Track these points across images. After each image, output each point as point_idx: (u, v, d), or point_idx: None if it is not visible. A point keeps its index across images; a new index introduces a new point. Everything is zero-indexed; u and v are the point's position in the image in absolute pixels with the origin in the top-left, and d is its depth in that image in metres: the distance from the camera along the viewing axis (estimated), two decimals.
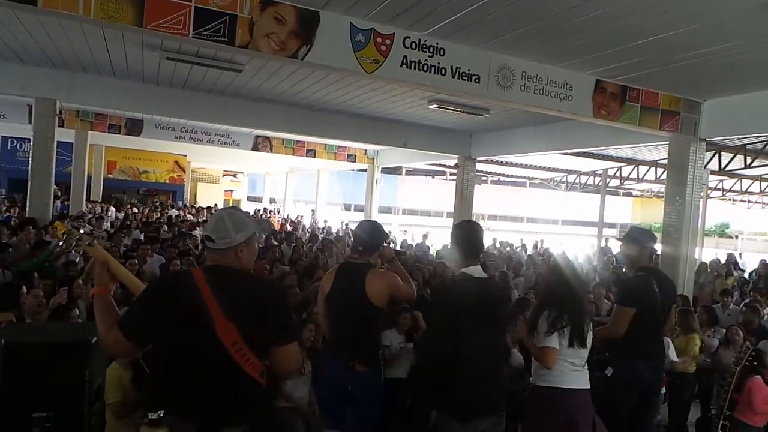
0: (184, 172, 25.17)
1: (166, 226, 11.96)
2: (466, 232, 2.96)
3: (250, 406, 1.92)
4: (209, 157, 22.96)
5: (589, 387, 3.03)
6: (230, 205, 20.62)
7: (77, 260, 4.31)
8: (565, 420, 2.93)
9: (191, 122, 13.10)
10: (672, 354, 4.57)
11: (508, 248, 14.36)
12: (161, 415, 1.62)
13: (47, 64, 8.57)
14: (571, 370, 2.98)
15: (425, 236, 14.68)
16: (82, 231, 2.48)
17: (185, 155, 23.80)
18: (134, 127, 13.37)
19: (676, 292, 4.16)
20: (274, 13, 4.86)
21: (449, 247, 3.08)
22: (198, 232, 10.12)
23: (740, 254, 16.23)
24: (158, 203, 21.42)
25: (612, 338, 3.44)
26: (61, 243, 2.34)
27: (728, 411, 3.74)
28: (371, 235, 3.28)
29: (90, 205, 15.84)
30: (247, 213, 2.22)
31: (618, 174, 18.19)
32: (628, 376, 3.33)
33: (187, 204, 23.29)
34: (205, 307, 1.85)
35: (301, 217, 20.25)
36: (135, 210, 17.43)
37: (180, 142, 14.52)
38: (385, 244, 3.42)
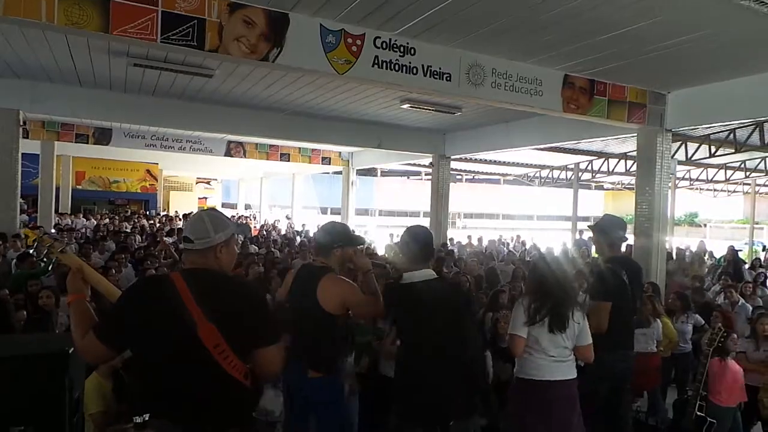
0: (156, 180, 24.75)
1: (138, 236, 11.74)
2: (419, 237, 2.88)
3: (236, 409, 1.91)
4: (182, 164, 22.63)
5: (574, 377, 3.08)
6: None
7: (50, 268, 4.25)
8: (546, 411, 2.98)
9: (162, 129, 12.88)
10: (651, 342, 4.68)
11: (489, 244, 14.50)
12: (146, 418, 1.60)
13: (9, 74, 8.34)
14: (552, 362, 3.03)
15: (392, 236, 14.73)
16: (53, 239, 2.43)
17: (157, 163, 23.40)
18: (103, 137, 13.09)
19: (643, 279, 4.25)
20: (243, 16, 4.83)
21: (398, 248, 2.97)
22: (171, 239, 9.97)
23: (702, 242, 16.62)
24: (129, 213, 21.03)
25: (596, 333, 3.46)
26: (32, 251, 2.30)
27: (704, 392, 3.86)
28: (326, 235, 3.07)
29: (59, 217, 15.45)
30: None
31: (589, 167, 18.53)
32: (600, 367, 3.35)
33: (160, 213, 22.91)
34: (185, 311, 1.83)
35: (278, 221, 20.11)
36: (106, 221, 17.06)
37: (151, 150, 14.25)
38: (357, 251, 3.16)
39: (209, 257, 1.99)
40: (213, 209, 2.17)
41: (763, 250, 17.19)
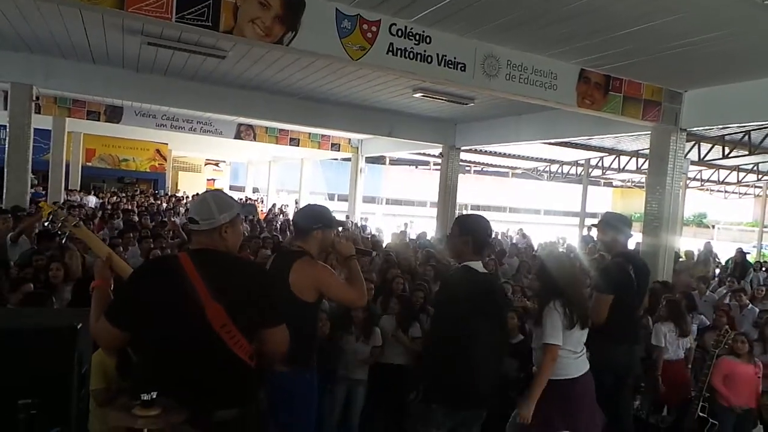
0: (166, 160, 24.81)
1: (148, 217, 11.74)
2: (475, 227, 2.84)
3: (241, 389, 1.93)
4: (191, 145, 22.66)
5: (588, 368, 3.12)
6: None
7: (63, 241, 4.26)
8: (574, 409, 2.99)
9: (173, 110, 12.89)
10: (664, 340, 4.64)
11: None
12: (154, 396, 1.61)
13: (23, 49, 8.35)
14: (574, 359, 3.06)
15: (407, 225, 14.72)
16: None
17: (166, 143, 23.44)
18: (114, 115, 13.11)
19: (650, 276, 4.24)
20: None
21: (448, 237, 2.95)
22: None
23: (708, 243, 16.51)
24: (138, 191, 21.12)
25: (593, 325, 3.48)
26: (46, 223, 2.31)
27: (707, 393, 3.85)
28: (305, 218, 2.88)
29: (68, 194, 15.54)
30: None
31: (600, 164, 18.40)
32: (602, 360, 3.37)
33: (168, 193, 23.00)
34: (193, 291, 1.85)
35: (285, 206, 20.13)
36: (115, 199, 17.14)
37: (161, 129, 14.28)
38: (340, 236, 2.98)
39: (215, 238, 2.00)
40: (218, 190, 2.17)
41: None
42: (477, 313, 2.68)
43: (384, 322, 4.41)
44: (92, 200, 15.69)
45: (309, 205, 3.12)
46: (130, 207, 13.66)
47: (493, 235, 3.06)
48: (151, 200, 17.53)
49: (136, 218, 10.24)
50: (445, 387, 2.71)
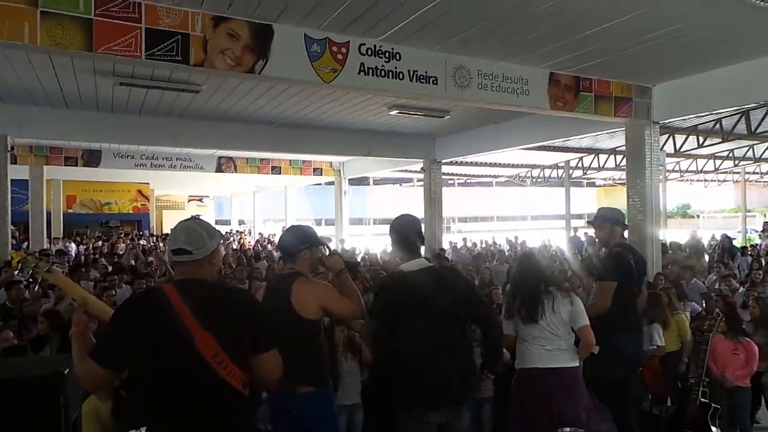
0: (148, 200, 24.63)
1: (133, 260, 11.62)
2: (398, 227, 2.84)
3: (235, 419, 1.89)
4: (173, 183, 22.56)
5: (576, 365, 3.09)
6: None
7: (35, 288, 4.17)
8: (544, 398, 2.99)
9: (151, 148, 12.85)
10: (659, 338, 4.66)
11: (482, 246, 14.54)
12: (143, 431, 1.57)
13: None
14: (545, 350, 3.07)
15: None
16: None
17: (148, 183, 23.31)
18: (92, 158, 13.04)
19: (646, 267, 4.28)
20: (227, 29, 4.84)
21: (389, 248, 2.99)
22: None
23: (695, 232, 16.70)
24: (123, 234, 20.91)
25: (599, 314, 3.47)
26: (17, 272, 2.27)
27: (706, 377, 3.86)
28: (291, 239, 2.90)
29: (50, 243, 15.32)
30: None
31: (580, 164, 18.63)
32: (612, 352, 3.35)
33: (153, 233, 22.80)
34: (180, 322, 1.82)
35: (273, 235, 20.05)
36: (99, 243, 16.94)
37: (141, 169, 14.22)
38: (327, 252, 2.97)
39: (203, 266, 1.98)
40: (196, 218, 2.14)
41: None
42: (413, 313, 2.64)
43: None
44: (72, 247, 15.47)
45: (292, 226, 3.14)
46: (114, 250, 13.50)
47: (419, 231, 2.95)
48: (138, 242, 17.36)
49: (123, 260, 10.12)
50: (407, 393, 2.67)
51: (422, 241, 2.90)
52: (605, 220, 3.89)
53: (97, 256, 12.34)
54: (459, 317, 2.74)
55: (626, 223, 4.06)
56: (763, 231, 17.34)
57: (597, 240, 4.25)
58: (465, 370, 2.73)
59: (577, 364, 3.11)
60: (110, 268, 8.43)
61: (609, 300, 3.52)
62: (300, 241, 2.86)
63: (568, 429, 1.92)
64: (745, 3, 4.47)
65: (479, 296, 3.03)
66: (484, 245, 14.70)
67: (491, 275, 7.47)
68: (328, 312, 2.87)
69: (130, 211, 24.19)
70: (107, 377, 1.90)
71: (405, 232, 2.83)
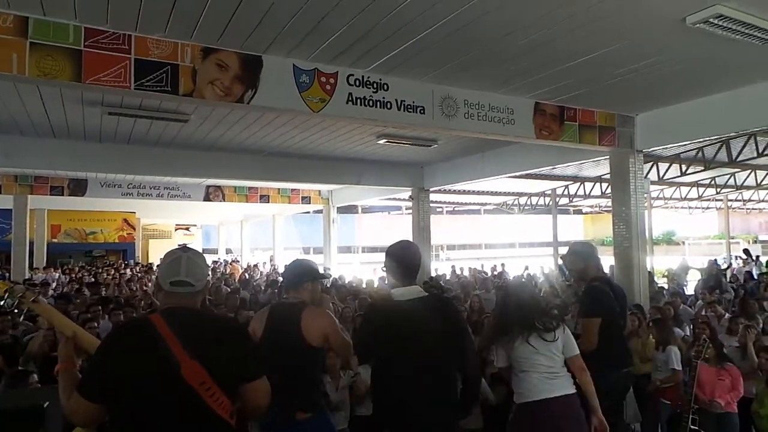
0: (134, 229, 24.40)
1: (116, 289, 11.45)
2: (394, 254, 2.83)
3: None
4: (160, 212, 22.40)
5: (573, 391, 3.04)
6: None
7: (20, 318, 4.10)
8: (550, 430, 2.94)
9: (138, 177, 12.79)
10: (676, 362, 4.68)
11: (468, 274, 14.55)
12: None
13: None
14: (544, 379, 3.01)
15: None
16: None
17: (134, 212, 23.12)
18: (78, 188, 12.94)
19: (626, 298, 4.27)
20: (216, 60, 4.89)
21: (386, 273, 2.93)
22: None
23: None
24: (108, 263, 20.64)
25: (588, 351, 3.43)
26: (1, 303, 2.21)
27: (695, 405, 3.85)
28: (296, 271, 3.08)
29: (32, 273, 15.07)
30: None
31: (566, 192, 18.84)
32: (603, 388, 3.28)
33: (139, 262, 22.52)
34: (168, 351, 1.79)
35: (264, 263, 19.94)
36: (81, 274, 16.68)
37: (127, 198, 14.10)
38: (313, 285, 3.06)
39: (198, 298, 1.99)
40: (186, 247, 2.11)
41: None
42: (399, 342, 2.59)
43: (363, 373, 4.30)
44: (55, 277, 15.22)
45: (297, 260, 3.29)
46: (97, 280, 13.28)
47: (419, 259, 2.89)
48: (123, 271, 17.12)
49: (104, 291, 9.96)
50: (389, 418, 2.65)
51: (418, 269, 2.87)
52: (578, 254, 3.90)
53: (79, 286, 12.14)
54: (448, 349, 2.67)
55: (598, 257, 4.01)
56: (744, 258, 17.52)
57: (573, 273, 4.22)
58: (446, 410, 2.65)
59: (575, 391, 3.08)
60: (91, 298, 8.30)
61: (595, 337, 3.49)
62: (304, 274, 3.04)
63: None
64: (721, 36, 4.62)
65: (468, 335, 2.94)
66: (472, 273, 14.69)
67: (480, 302, 7.46)
68: (323, 343, 2.90)
69: (116, 240, 23.91)
70: (98, 412, 1.85)
71: (401, 258, 2.80)
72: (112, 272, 16.84)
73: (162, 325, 1.84)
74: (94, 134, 8.78)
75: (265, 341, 2.87)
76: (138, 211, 22.95)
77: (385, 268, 2.88)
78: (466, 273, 14.98)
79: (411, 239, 12.88)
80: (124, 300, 8.42)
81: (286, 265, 3.23)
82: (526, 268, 15.24)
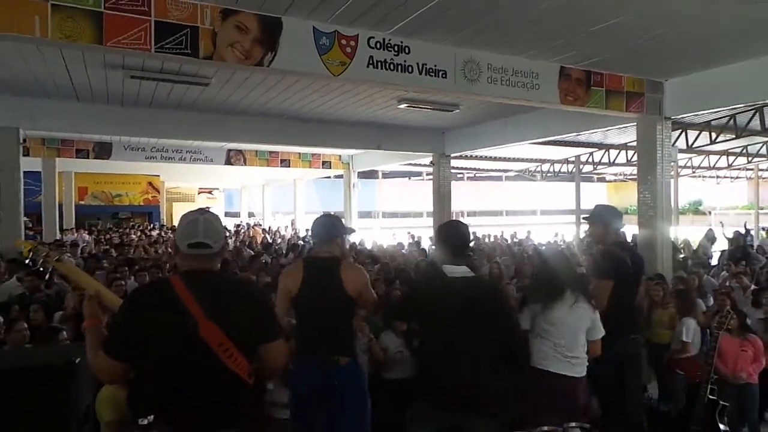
0: (159, 192, 24.83)
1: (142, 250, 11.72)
2: (447, 231, 2.94)
3: (240, 407, 1.91)
4: (183, 175, 22.68)
5: (582, 375, 3.07)
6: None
7: (46, 276, 4.29)
8: (554, 403, 2.96)
9: (161, 141, 12.94)
10: (686, 334, 4.67)
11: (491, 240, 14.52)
12: (151, 420, 1.59)
13: (7, 92, 8.38)
14: (556, 354, 3.02)
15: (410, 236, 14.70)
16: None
17: (158, 175, 23.48)
18: (103, 151, 13.14)
19: (644, 265, 4.21)
20: (235, 23, 4.85)
21: (434, 247, 3.10)
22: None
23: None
24: (135, 225, 21.11)
25: None
26: (27, 261, 2.29)
27: (714, 375, 3.83)
28: (327, 226, 3.19)
29: (62, 234, 15.51)
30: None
31: (590, 159, 18.46)
32: (606, 353, 3.28)
33: (164, 224, 22.97)
34: (186, 311, 1.84)
35: (285, 227, 20.16)
36: (109, 235, 17.12)
37: (151, 162, 14.32)
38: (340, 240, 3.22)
39: (216, 260, 2.02)
40: (204, 210, 2.12)
41: None
42: (442, 314, 2.67)
43: (386, 339, 4.37)
44: (86, 238, 15.65)
45: (326, 215, 3.36)
46: (123, 242, 13.61)
47: (470, 239, 2.97)
48: (149, 233, 17.52)
49: (132, 252, 10.21)
50: (424, 385, 2.77)
51: (468, 250, 3.02)
52: (599, 218, 3.84)
53: (108, 247, 12.47)
54: (496, 328, 2.74)
55: (621, 221, 3.96)
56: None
57: (592, 236, 4.18)
58: (487, 379, 2.67)
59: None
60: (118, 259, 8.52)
61: (605, 300, 3.44)
62: (335, 229, 3.18)
63: (546, 428, 1.90)
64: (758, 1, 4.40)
65: (513, 314, 3.08)
66: (494, 240, 14.63)
67: (500, 269, 7.45)
68: (359, 295, 3.07)
69: (141, 203, 24.40)
70: (122, 370, 1.91)
71: (450, 237, 2.91)
72: (139, 234, 17.24)
73: (181, 287, 1.88)
74: (116, 98, 8.84)
75: (305, 293, 3.00)
76: (162, 175, 23.29)
77: (434, 246, 2.95)
78: (489, 240, 14.89)
79: (431, 205, 12.97)
80: (151, 261, 8.63)
81: (315, 220, 3.28)
82: (556, 234, 15.14)
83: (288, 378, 3.08)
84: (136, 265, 7.34)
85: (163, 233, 17.75)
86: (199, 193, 29.75)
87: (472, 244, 14.26)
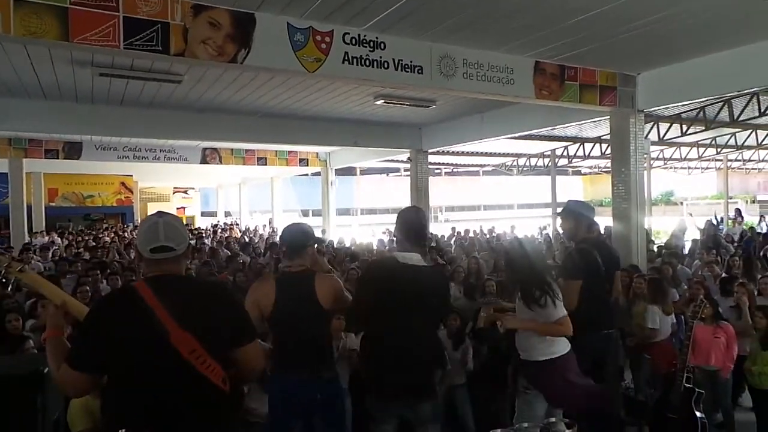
0: (132, 192, 24.35)
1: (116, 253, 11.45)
2: (405, 218, 2.94)
3: (216, 415, 1.86)
4: (157, 175, 22.28)
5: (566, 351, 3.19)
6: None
7: (8, 289, 4.12)
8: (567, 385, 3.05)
9: (134, 140, 12.67)
10: (651, 322, 4.75)
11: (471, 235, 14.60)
12: None
13: None
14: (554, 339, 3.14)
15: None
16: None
17: (131, 175, 23.02)
18: (73, 151, 12.81)
19: (618, 260, 4.27)
20: (208, 18, 4.74)
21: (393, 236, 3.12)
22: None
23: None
24: (108, 226, 20.67)
25: (567, 311, 3.47)
26: None
27: (690, 364, 3.91)
28: (298, 236, 3.12)
29: (32, 237, 15.09)
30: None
31: (565, 153, 18.71)
32: (577, 347, 3.34)
33: (138, 225, 22.55)
34: (155, 319, 1.78)
35: (263, 226, 19.97)
36: (79, 238, 16.70)
37: (124, 161, 14.02)
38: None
39: (181, 262, 1.95)
40: (163, 213, 2.06)
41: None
42: (388, 301, 2.72)
43: (348, 342, 4.35)
44: (58, 241, 15.26)
45: (295, 224, 3.30)
46: (97, 245, 13.29)
47: (427, 227, 3.11)
48: (122, 234, 17.15)
49: (105, 255, 9.97)
50: (375, 377, 2.82)
51: (424, 239, 3.01)
52: (569, 213, 3.90)
53: (80, 250, 12.17)
54: (437, 317, 2.97)
55: (593, 216, 4.00)
56: (734, 218, 17.52)
57: (563, 232, 4.24)
58: (430, 366, 2.83)
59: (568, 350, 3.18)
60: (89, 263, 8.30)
61: (575, 299, 3.50)
62: (306, 238, 3.10)
63: (526, 425, 1.95)
64: None
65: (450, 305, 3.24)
66: (473, 236, 14.70)
67: (478, 264, 7.47)
68: (334, 305, 3.02)
69: (114, 204, 23.91)
70: (88, 382, 1.84)
71: (411, 225, 2.92)
72: (112, 235, 16.87)
73: (148, 294, 1.82)
74: (86, 96, 8.62)
75: (280, 313, 2.93)
76: (135, 174, 22.84)
77: (394, 231, 2.99)
78: (469, 234, 14.96)
79: (409, 201, 12.98)
80: (125, 264, 8.44)
81: (284, 230, 3.25)
82: (513, 228, 15.48)
83: (268, 395, 3.06)
84: (108, 268, 7.17)
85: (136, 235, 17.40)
86: (174, 193, 29.29)
87: (431, 234, 14.49)
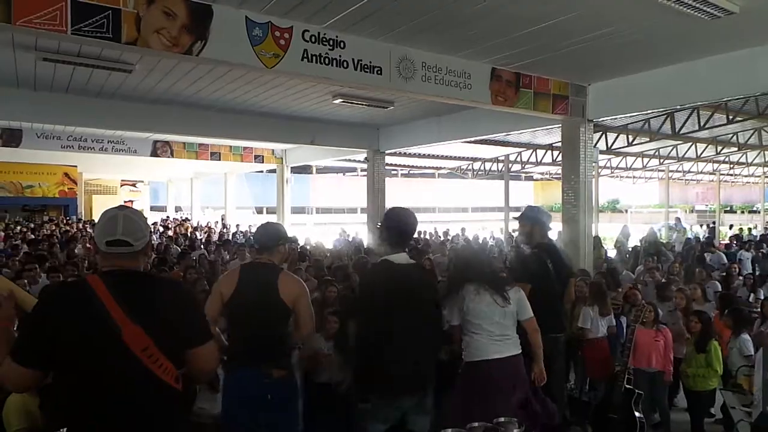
0: (76, 184, 23.25)
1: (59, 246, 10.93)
2: (392, 220, 3.00)
3: (168, 415, 1.81)
4: (104, 166, 21.37)
5: (518, 352, 3.21)
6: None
7: None
8: (493, 389, 3.06)
9: (79, 129, 12.11)
10: (583, 321, 4.90)
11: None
12: None
13: None
14: (492, 341, 3.14)
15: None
16: None
17: (75, 166, 21.97)
18: (12, 138, 12.12)
19: (570, 265, 4.44)
20: (162, 7, 4.60)
21: (378, 235, 3.12)
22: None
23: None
24: (50, 218, 19.70)
25: None
26: None
27: (631, 366, 4.08)
28: (270, 233, 3.14)
29: None
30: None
31: (519, 159, 19.16)
32: (525, 350, 3.42)
33: (82, 218, 21.60)
34: (107, 314, 1.71)
35: (216, 223, 19.51)
36: (19, 228, 15.87)
37: (67, 151, 13.37)
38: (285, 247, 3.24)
39: (139, 258, 1.88)
40: (126, 206, 1.99)
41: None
42: (393, 304, 2.78)
43: (316, 341, 4.29)
44: None
45: (269, 223, 3.36)
46: (36, 237, 12.66)
47: (415, 228, 3.10)
48: (64, 228, 16.38)
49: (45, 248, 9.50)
50: (376, 378, 2.80)
51: (409, 239, 3.11)
52: (526, 218, 4.04)
53: (19, 242, 11.55)
54: (436, 310, 3.01)
55: (549, 222, 4.14)
56: (675, 225, 18.43)
57: (520, 236, 4.39)
58: (431, 359, 2.93)
59: (520, 352, 3.23)
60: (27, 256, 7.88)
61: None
62: (278, 236, 3.13)
63: (476, 424, 1.95)
64: (673, 9, 4.70)
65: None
66: (429, 237, 14.85)
67: (432, 265, 7.55)
68: (294, 305, 2.97)
69: (56, 195, 22.76)
70: (32, 378, 1.75)
71: (398, 225, 2.97)
72: (53, 228, 16.10)
73: (101, 289, 1.74)
74: (27, 81, 8.18)
75: (238, 299, 2.91)
76: (80, 165, 21.81)
77: (380, 231, 3.00)
78: (422, 236, 15.08)
79: (366, 201, 12.99)
80: (65, 258, 8.07)
81: (257, 228, 3.32)
82: (463, 230, 15.79)
83: (220, 387, 3.01)
84: (47, 262, 6.83)
85: (80, 227, 16.69)
86: (121, 186, 28.19)
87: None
